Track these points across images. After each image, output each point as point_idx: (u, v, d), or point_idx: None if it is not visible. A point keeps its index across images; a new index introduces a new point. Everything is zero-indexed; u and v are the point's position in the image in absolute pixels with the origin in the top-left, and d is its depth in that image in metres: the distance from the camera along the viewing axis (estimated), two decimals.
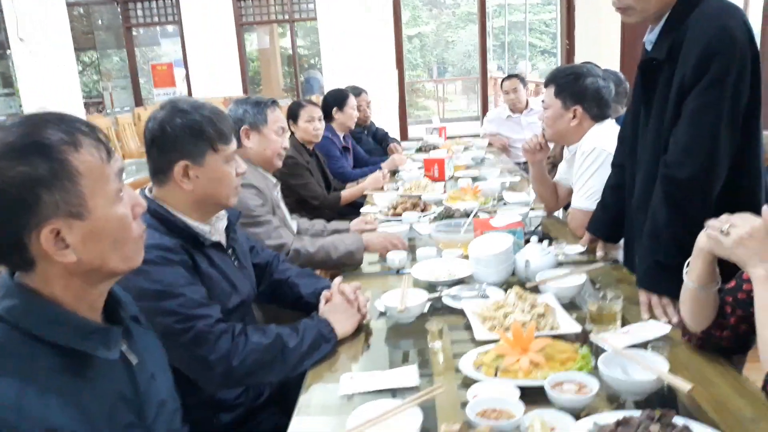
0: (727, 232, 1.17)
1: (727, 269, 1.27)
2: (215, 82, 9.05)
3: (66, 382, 0.86)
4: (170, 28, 10.19)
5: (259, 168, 2.27)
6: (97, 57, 12.24)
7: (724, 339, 1.32)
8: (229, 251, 1.62)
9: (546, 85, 2.42)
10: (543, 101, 2.43)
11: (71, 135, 0.87)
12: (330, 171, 3.84)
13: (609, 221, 2.05)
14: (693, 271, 1.28)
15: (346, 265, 2.14)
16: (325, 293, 1.66)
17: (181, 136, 1.45)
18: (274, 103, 2.30)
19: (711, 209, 1.44)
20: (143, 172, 4.62)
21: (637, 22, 1.66)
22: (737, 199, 1.48)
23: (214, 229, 1.57)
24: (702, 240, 1.24)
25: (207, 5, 8.85)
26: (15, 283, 0.89)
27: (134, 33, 9.92)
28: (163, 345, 1.16)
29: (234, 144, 1.54)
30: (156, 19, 9.60)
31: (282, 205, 2.35)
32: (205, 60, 9.02)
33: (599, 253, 2.08)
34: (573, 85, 2.32)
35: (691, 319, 1.34)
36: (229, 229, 1.63)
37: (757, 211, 1.21)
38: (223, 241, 1.60)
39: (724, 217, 1.21)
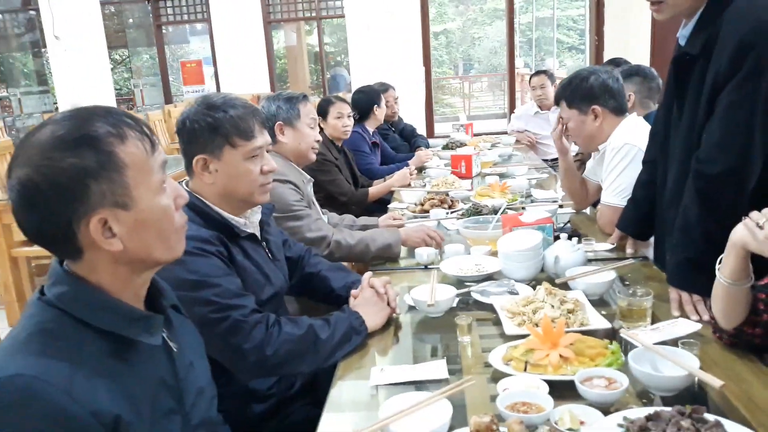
0: (762, 226, 1.16)
1: (760, 266, 1.26)
2: (243, 80, 9.13)
3: (112, 366, 0.90)
4: (199, 26, 10.32)
5: (293, 164, 2.31)
6: (128, 55, 12.45)
7: (756, 336, 1.31)
8: (263, 243, 1.66)
9: (556, 102, 2.46)
10: (561, 118, 2.44)
11: (117, 128, 0.91)
12: (358, 167, 3.87)
13: (639, 218, 2.04)
14: (726, 267, 1.27)
15: (383, 258, 2.17)
16: (354, 293, 1.68)
17: (199, 131, 1.49)
18: (305, 97, 2.35)
19: (744, 206, 1.41)
20: (172, 169, 4.71)
21: (669, 18, 1.65)
22: None
23: (249, 222, 1.61)
24: (736, 234, 1.23)
25: (235, 3, 8.94)
26: (64, 271, 0.93)
27: (164, 31, 10.06)
28: (200, 334, 1.20)
29: (260, 140, 1.55)
30: (186, 17, 9.72)
31: (314, 200, 2.39)
32: (234, 57, 9.11)
33: (629, 251, 2.07)
34: (579, 90, 2.33)
35: (722, 316, 1.34)
36: (263, 222, 1.67)
37: None
38: (258, 233, 1.64)
39: (766, 210, 1.19)
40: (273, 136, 2.23)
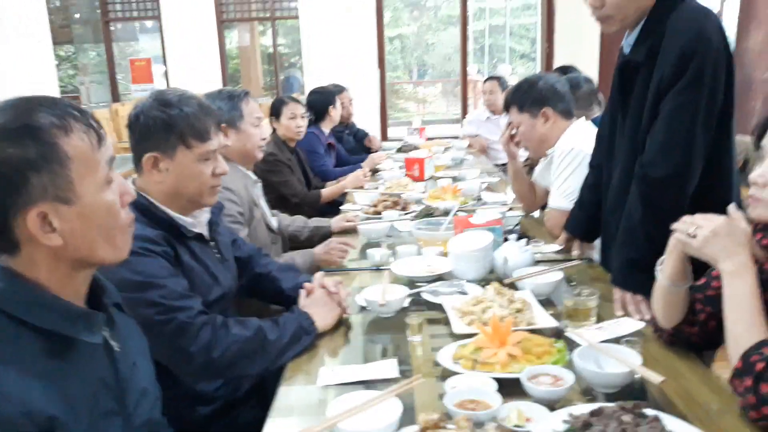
0: (693, 234, 1.21)
1: (698, 267, 1.31)
2: (195, 79, 8.94)
3: (49, 365, 0.86)
4: (149, 23, 10.10)
5: (237, 165, 2.24)
6: (74, 51, 12.05)
7: (694, 335, 1.36)
8: (212, 244, 1.62)
9: (506, 109, 2.50)
10: (510, 123, 2.49)
11: (62, 119, 0.88)
12: (312, 168, 3.84)
13: (586, 220, 2.09)
14: (666, 269, 1.32)
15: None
16: (306, 285, 1.67)
17: (154, 128, 1.45)
18: (246, 94, 2.26)
19: (685, 208, 1.46)
20: (119, 169, 4.58)
21: (615, 31, 1.70)
22: (710, 198, 1.52)
23: (197, 222, 1.57)
24: (675, 238, 1.28)
25: (187, 1, 8.78)
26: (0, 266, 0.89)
27: (112, 27, 9.80)
28: (145, 336, 1.17)
29: (215, 143, 1.52)
30: (135, 14, 9.48)
31: (262, 202, 2.33)
32: (185, 56, 8.93)
33: (575, 252, 2.12)
34: (530, 94, 2.39)
35: (662, 316, 1.38)
36: (212, 222, 1.64)
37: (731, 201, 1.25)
38: (206, 233, 1.60)
39: (688, 218, 1.24)
40: None
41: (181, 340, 1.36)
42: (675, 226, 1.26)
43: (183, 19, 8.82)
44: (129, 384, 1.01)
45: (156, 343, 1.27)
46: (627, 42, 1.72)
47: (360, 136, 5.06)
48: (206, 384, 1.56)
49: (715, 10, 3.74)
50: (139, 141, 1.48)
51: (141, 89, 9.45)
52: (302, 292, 1.65)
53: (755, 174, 1.16)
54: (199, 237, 1.56)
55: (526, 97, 2.40)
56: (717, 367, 1.59)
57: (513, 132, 2.51)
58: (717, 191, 1.57)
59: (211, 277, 1.55)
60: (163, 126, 1.45)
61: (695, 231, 1.21)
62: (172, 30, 8.95)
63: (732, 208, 1.23)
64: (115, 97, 9.57)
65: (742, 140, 2.02)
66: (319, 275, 1.71)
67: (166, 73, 9.28)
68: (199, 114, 1.48)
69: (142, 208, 1.44)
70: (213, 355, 1.38)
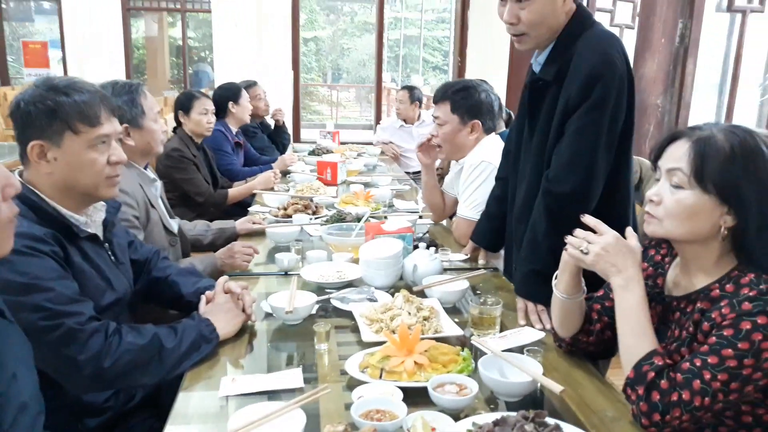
0: (586, 251, 1.26)
1: (595, 279, 1.37)
2: (95, 68, 8.44)
3: None
4: (47, 4, 9.43)
5: (133, 164, 2.08)
6: None
7: (590, 344, 1.42)
8: (106, 245, 1.51)
9: (437, 100, 2.45)
10: (436, 117, 2.46)
11: None
12: (218, 167, 3.71)
13: (492, 231, 2.15)
14: (560, 282, 1.37)
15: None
16: (208, 294, 1.59)
17: (35, 114, 1.33)
18: (142, 86, 2.10)
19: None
20: (5, 158, 4.22)
21: (529, 49, 1.75)
22: (611, 212, 1.59)
23: (91, 221, 1.46)
24: (566, 255, 1.33)
25: None
26: None
27: (3, 6, 9.06)
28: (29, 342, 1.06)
29: (107, 128, 1.41)
30: None
31: (160, 203, 2.18)
32: (86, 43, 8.40)
33: (481, 261, 2.17)
34: (469, 100, 2.39)
35: (560, 326, 1.44)
36: (108, 222, 1.53)
37: (627, 223, 1.32)
38: (100, 233, 1.49)
39: (581, 233, 1.30)
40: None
41: (68, 347, 1.25)
42: (568, 240, 1.31)
43: (85, 2, 8.31)
44: (6, 398, 0.91)
45: (40, 351, 1.16)
46: (537, 61, 1.77)
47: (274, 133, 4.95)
48: (95, 394, 1.45)
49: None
50: (22, 129, 1.35)
51: (34, 74, 8.81)
52: (203, 298, 1.58)
53: (651, 192, 1.22)
54: (92, 238, 1.45)
55: (463, 102, 2.38)
56: (612, 374, 1.67)
57: (433, 141, 2.51)
58: (616, 207, 1.66)
59: (104, 280, 1.44)
60: (46, 111, 1.33)
61: (587, 248, 1.26)
62: (72, 13, 8.40)
63: (629, 230, 1.29)
64: (5, 80, 8.85)
65: (638, 160, 2.15)
66: (222, 279, 1.64)
67: (63, 59, 8.71)
68: (89, 99, 1.37)
69: (30, 204, 1.32)
70: (104, 364, 1.28)
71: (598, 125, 1.57)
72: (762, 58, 4.25)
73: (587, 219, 1.29)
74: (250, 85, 4.53)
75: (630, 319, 1.21)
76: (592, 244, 1.26)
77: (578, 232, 1.30)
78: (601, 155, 1.59)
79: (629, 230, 1.29)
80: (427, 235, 2.49)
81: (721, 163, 1.13)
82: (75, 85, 1.38)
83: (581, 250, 1.27)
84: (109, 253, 1.52)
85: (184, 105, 3.28)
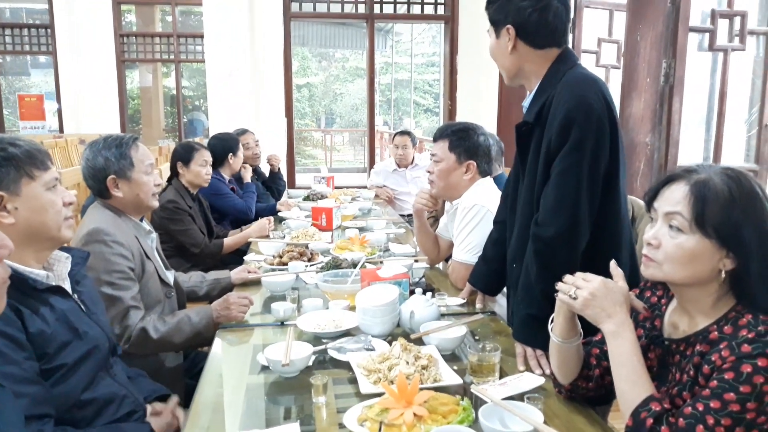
0: (575, 296, 1.26)
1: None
2: (91, 119, 8.55)
3: None
4: (43, 58, 9.58)
5: (128, 216, 2.09)
6: None
7: (590, 390, 1.41)
8: (75, 296, 1.50)
9: (436, 139, 2.51)
10: (433, 155, 2.51)
11: None
12: (225, 209, 3.74)
13: (489, 274, 2.14)
14: (556, 326, 1.36)
15: (196, 347, 2.02)
16: (155, 406, 1.63)
17: None
18: (135, 140, 2.10)
19: (577, 265, 1.53)
20: None
21: (509, 84, 1.82)
22: (600, 255, 1.57)
23: (54, 274, 1.46)
24: (559, 301, 1.33)
25: (86, 39, 8.43)
26: None
27: (0, 60, 9.21)
28: None
29: (54, 172, 1.44)
30: (27, 47, 8.99)
31: (156, 255, 2.17)
32: (81, 94, 8.52)
33: (478, 305, 2.16)
34: (467, 141, 2.45)
35: (558, 372, 1.42)
36: (75, 273, 1.53)
37: (619, 262, 1.32)
38: (67, 285, 1.49)
39: (569, 278, 1.30)
40: (106, 190, 2.03)
41: None
42: (558, 286, 1.31)
43: (80, 55, 8.46)
44: None
45: None
46: (525, 103, 1.81)
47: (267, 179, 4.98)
48: None
49: (603, 76, 4.06)
50: None
51: (30, 126, 8.90)
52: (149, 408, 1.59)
53: (648, 235, 1.22)
54: (57, 290, 1.44)
55: (462, 142, 2.45)
56: (613, 417, 1.65)
57: (428, 177, 2.55)
58: (606, 248, 1.64)
59: (71, 332, 1.42)
60: (1, 162, 1.35)
61: (575, 293, 1.26)
62: (67, 66, 8.54)
63: (613, 265, 1.30)
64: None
65: (630, 199, 2.16)
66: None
67: (59, 111, 8.81)
68: (31, 147, 1.41)
69: None
70: None
71: (578, 168, 1.58)
72: (746, 94, 4.33)
73: (577, 274, 1.30)
74: (240, 133, 4.59)
75: (624, 365, 1.20)
76: (580, 289, 1.26)
77: (567, 277, 1.30)
78: (583, 198, 1.59)
79: (615, 270, 1.29)
80: (424, 279, 2.48)
81: (721, 207, 1.13)
82: (16, 139, 1.41)
83: (570, 296, 1.27)
84: (79, 303, 1.51)
85: (183, 157, 3.30)
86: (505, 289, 2.21)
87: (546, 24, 1.68)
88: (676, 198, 1.18)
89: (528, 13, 1.67)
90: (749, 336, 1.09)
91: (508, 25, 1.70)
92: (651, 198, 1.24)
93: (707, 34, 3.60)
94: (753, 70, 4.11)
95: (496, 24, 1.74)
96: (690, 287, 1.21)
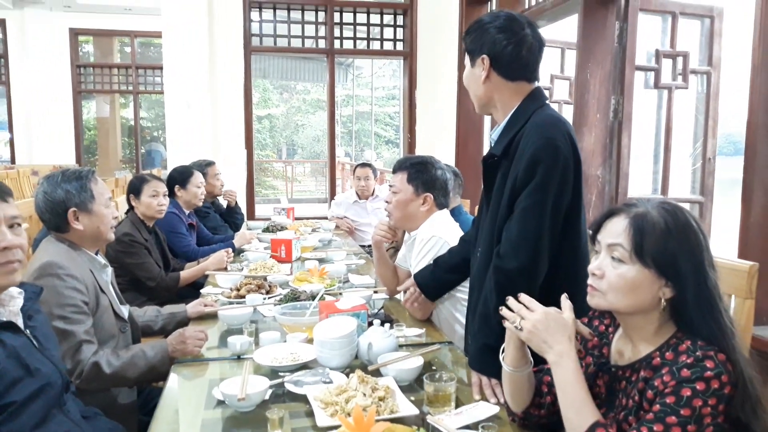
0: (520, 327, 1.30)
1: None
2: (44, 149, 8.38)
3: None
4: None
5: (84, 250, 2.07)
6: None
7: (542, 417, 1.44)
8: (27, 332, 1.47)
9: (395, 171, 2.59)
10: (392, 185, 2.58)
11: None
12: (176, 249, 3.67)
13: (432, 276, 2.26)
14: (507, 356, 1.40)
15: (151, 383, 2.00)
16: None
17: None
18: (93, 173, 2.11)
19: (535, 297, 1.57)
20: None
21: (479, 113, 1.91)
22: (558, 287, 1.61)
23: (4, 309, 1.43)
24: (508, 331, 1.36)
25: (41, 69, 8.31)
26: None
27: None
28: None
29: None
30: None
31: (111, 289, 2.13)
32: (35, 125, 8.37)
33: (407, 305, 2.33)
34: (425, 174, 2.53)
35: (511, 400, 1.45)
36: (27, 308, 1.49)
37: (575, 294, 1.36)
38: (19, 320, 1.45)
39: (514, 305, 1.34)
40: (65, 224, 2.01)
41: None
42: (503, 312, 1.35)
43: (35, 86, 8.33)
44: None
45: None
46: (492, 136, 1.87)
47: (226, 212, 4.94)
48: None
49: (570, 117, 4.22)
50: None
51: None
52: None
53: (593, 266, 1.28)
54: (7, 325, 1.41)
55: (419, 175, 2.53)
56: None
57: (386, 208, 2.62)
58: (562, 282, 1.69)
59: (22, 368, 1.38)
60: None
61: (520, 324, 1.30)
62: (21, 96, 8.39)
63: (563, 297, 1.34)
64: None
65: None
66: None
67: (11, 141, 8.61)
68: None
69: None
70: None
71: (542, 206, 1.64)
72: (690, 129, 4.53)
73: (523, 298, 1.34)
74: (208, 164, 4.57)
75: (568, 393, 1.24)
76: (524, 320, 1.30)
77: (511, 302, 1.34)
78: (545, 233, 1.65)
79: (565, 303, 1.33)
80: (382, 310, 2.49)
81: (658, 239, 1.19)
82: None
83: (516, 326, 1.31)
84: (31, 339, 1.47)
85: (134, 188, 3.28)
86: (462, 319, 2.25)
87: (519, 57, 1.76)
88: (617, 230, 1.24)
89: (503, 46, 1.75)
90: (688, 361, 1.14)
91: (484, 55, 1.77)
92: (595, 231, 1.30)
93: (653, 73, 3.77)
94: (696, 107, 4.32)
95: (472, 53, 1.81)
96: (633, 315, 1.26)
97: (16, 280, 1.44)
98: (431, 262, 2.31)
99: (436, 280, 2.26)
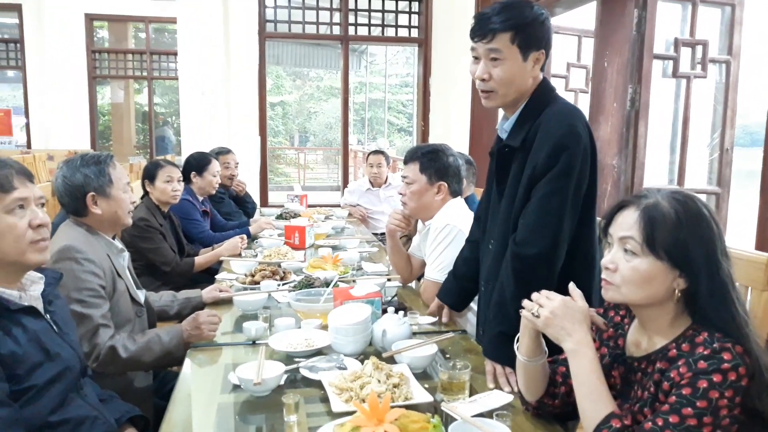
0: (537, 314, 1.30)
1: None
2: (60, 134, 8.43)
3: None
4: (11, 72, 9.45)
5: (101, 234, 2.08)
6: None
7: (556, 407, 1.44)
8: (47, 316, 1.49)
9: (407, 161, 2.57)
10: (405, 177, 2.56)
11: None
12: (191, 235, 3.69)
13: (457, 291, 2.19)
14: (522, 346, 1.40)
15: (166, 367, 2.01)
16: None
17: None
18: (112, 158, 2.13)
19: (554, 285, 1.56)
20: None
21: (496, 107, 1.83)
22: (574, 274, 1.60)
23: (26, 294, 1.45)
24: (524, 319, 1.36)
25: (56, 54, 8.35)
26: None
27: None
28: None
29: (23, 191, 1.41)
30: None
31: (127, 273, 2.16)
32: (51, 110, 8.41)
33: (444, 320, 2.20)
34: (437, 162, 2.50)
35: (525, 390, 1.45)
36: (47, 294, 1.51)
37: (589, 283, 1.36)
38: (40, 305, 1.47)
39: (535, 296, 1.34)
40: (84, 207, 2.03)
41: None
42: (524, 303, 1.35)
43: (50, 71, 8.37)
44: None
45: None
46: (503, 127, 1.85)
47: (240, 198, 4.96)
48: None
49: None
50: None
51: None
52: None
53: (606, 260, 1.27)
54: (29, 310, 1.42)
55: (432, 164, 2.50)
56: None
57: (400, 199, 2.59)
58: (579, 269, 1.70)
59: (43, 352, 1.40)
60: None
61: (537, 311, 1.30)
62: (36, 81, 8.44)
63: (571, 286, 1.34)
64: None
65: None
66: None
67: (27, 126, 8.67)
68: None
69: None
70: None
71: (564, 192, 1.64)
72: (708, 119, 4.48)
73: (542, 292, 1.33)
74: (222, 153, 4.58)
75: (584, 383, 1.24)
76: (542, 308, 1.30)
77: (534, 295, 1.34)
78: (566, 220, 1.65)
79: (574, 291, 1.32)
80: (396, 298, 2.50)
81: (669, 230, 1.19)
82: None
83: (533, 314, 1.31)
84: (51, 323, 1.49)
85: (149, 173, 3.30)
86: (475, 308, 2.25)
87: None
88: (628, 223, 1.23)
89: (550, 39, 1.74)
90: (705, 353, 1.13)
91: (542, 50, 1.74)
92: (606, 224, 1.30)
93: (671, 62, 3.73)
94: (714, 97, 4.26)
95: (527, 47, 1.71)
96: (648, 307, 1.25)
97: (47, 257, 1.47)
98: (448, 276, 2.27)
99: (461, 294, 2.20)
